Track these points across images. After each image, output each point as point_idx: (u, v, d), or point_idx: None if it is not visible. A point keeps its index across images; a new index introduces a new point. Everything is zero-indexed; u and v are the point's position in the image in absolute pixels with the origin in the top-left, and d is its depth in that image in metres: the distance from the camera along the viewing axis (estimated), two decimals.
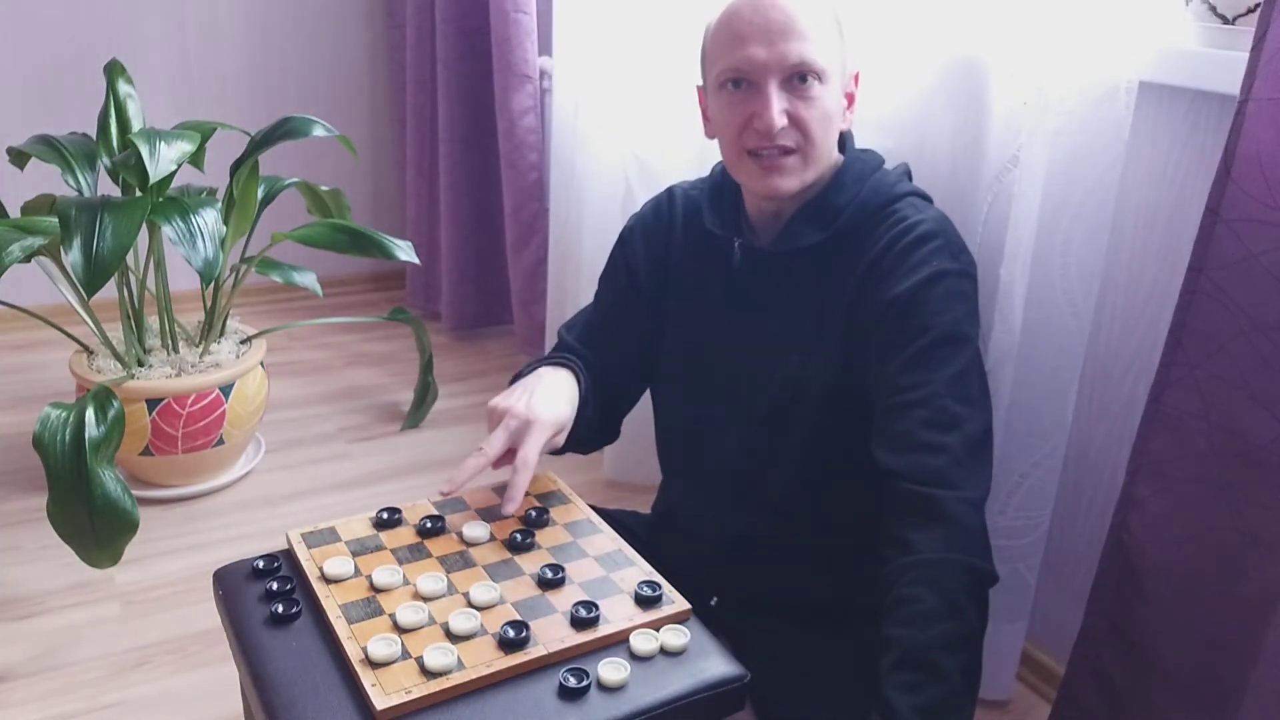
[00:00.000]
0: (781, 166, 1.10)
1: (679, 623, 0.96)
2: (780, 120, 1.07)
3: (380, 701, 0.84)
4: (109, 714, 1.42)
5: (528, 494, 1.14)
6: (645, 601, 0.97)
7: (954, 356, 1.05)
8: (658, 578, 1.01)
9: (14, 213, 1.93)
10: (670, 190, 1.30)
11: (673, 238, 1.27)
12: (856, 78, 1.16)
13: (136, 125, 1.92)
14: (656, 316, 1.28)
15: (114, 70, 1.93)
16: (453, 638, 0.91)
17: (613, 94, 1.86)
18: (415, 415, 2.28)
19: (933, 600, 0.95)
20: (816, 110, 1.08)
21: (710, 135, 1.18)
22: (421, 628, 0.92)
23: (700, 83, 1.18)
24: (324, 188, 2.18)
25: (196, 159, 1.93)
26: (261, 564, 1.03)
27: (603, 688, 0.88)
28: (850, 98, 1.15)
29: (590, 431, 1.25)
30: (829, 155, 1.13)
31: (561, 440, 1.15)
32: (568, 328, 1.33)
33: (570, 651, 0.91)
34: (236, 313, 2.67)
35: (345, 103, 2.98)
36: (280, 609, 0.95)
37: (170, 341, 1.97)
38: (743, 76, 1.08)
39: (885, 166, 1.18)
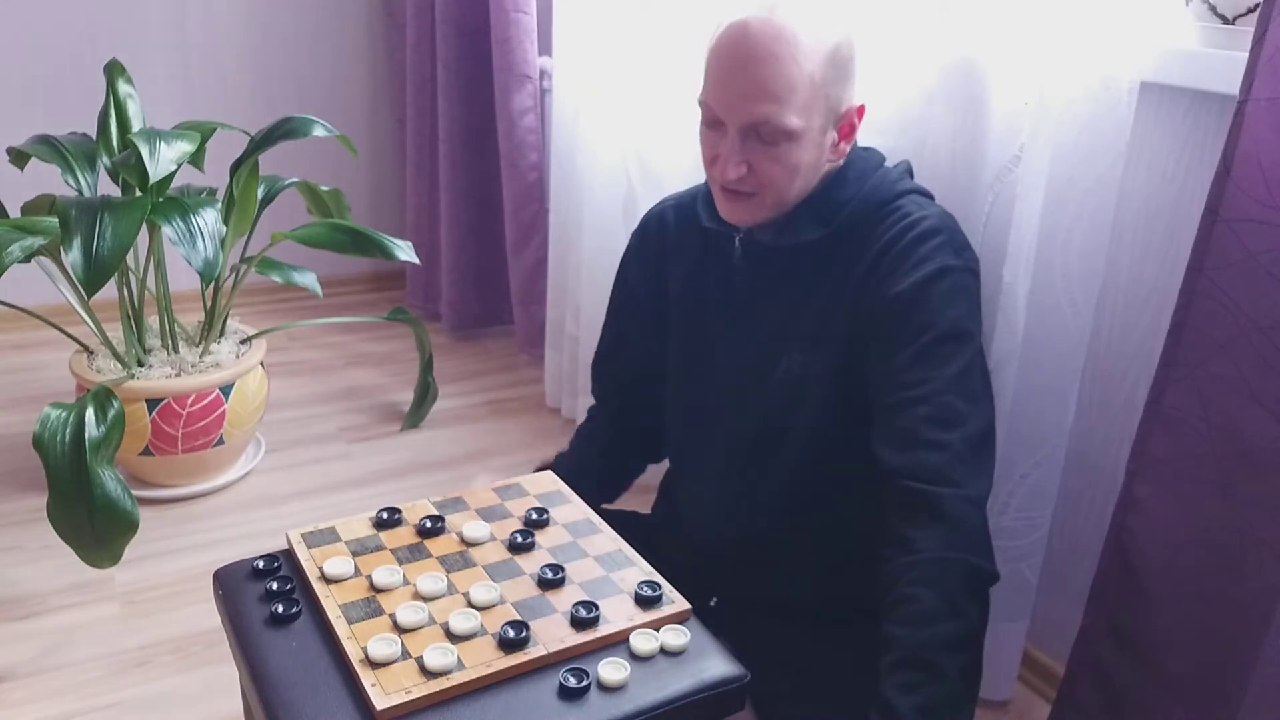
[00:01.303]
0: (743, 202, 1.11)
1: (679, 623, 0.96)
2: (737, 171, 1.08)
3: (380, 701, 0.84)
4: (109, 714, 1.42)
5: (527, 494, 1.15)
6: (645, 601, 0.97)
7: (957, 354, 1.05)
8: (658, 578, 1.01)
9: (14, 213, 1.93)
10: (659, 206, 1.33)
11: (667, 247, 1.28)
12: (861, 110, 1.13)
13: (136, 125, 1.92)
14: (660, 330, 1.30)
15: (114, 70, 1.93)
16: (453, 638, 0.91)
17: (613, 94, 1.86)
18: (415, 415, 2.28)
19: (933, 599, 0.95)
20: (779, 165, 1.08)
21: None
22: (421, 628, 0.92)
23: None
24: (324, 188, 2.18)
25: (196, 159, 1.93)
26: (261, 564, 1.03)
27: (603, 688, 0.88)
28: (849, 129, 1.13)
29: (612, 488, 1.38)
30: (799, 193, 1.12)
31: None
32: (595, 363, 1.41)
33: (570, 651, 0.91)
34: (236, 313, 2.67)
35: (345, 103, 2.98)
36: (280, 609, 0.95)
37: (170, 341, 1.97)
38: (713, 115, 1.09)
39: (886, 165, 1.19)
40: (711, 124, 1.10)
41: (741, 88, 1.05)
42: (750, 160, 1.07)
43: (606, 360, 1.40)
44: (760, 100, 1.04)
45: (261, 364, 2.02)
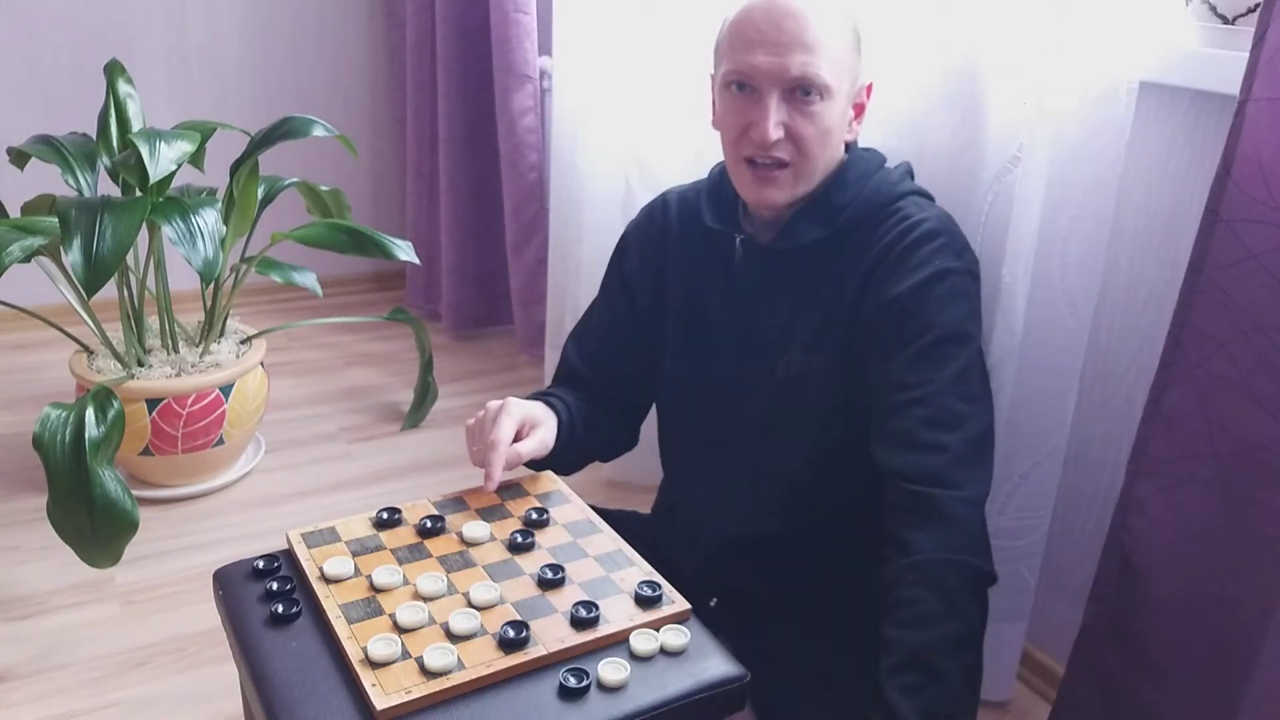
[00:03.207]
0: (774, 179, 1.11)
1: (679, 623, 0.96)
2: (776, 133, 1.07)
3: (380, 701, 0.84)
4: (109, 714, 1.42)
5: (527, 494, 1.14)
6: (645, 601, 0.97)
7: (956, 355, 1.06)
8: (658, 578, 1.01)
9: (14, 213, 1.93)
10: (664, 195, 1.31)
11: (668, 240, 1.27)
12: (869, 89, 1.16)
13: (136, 125, 1.92)
14: (655, 324, 1.29)
15: (114, 70, 1.93)
16: (453, 638, 0.91)
17: (613, 94, 1.86)
18: (415, 415, 2.28)
19: (933, 601, 0.95)
20: (814, 126, 1.08)
21: (716, 126, 1.18)
22: (421, 628, 0.92)
23: (712, 71, 1.18)
24: (324, 188, 2.18)
25: (196, 159, 1.93)
26: (261, 564, 1.03)
27: (603, 688, 0.88)
28: (860, 108, 1.15)
29: (581, 454, 1.26)
30: (825, 168, 1.13)
31: (549, 438, 1.16)
32: (574, 338, 1.35)
33: (570, 651, 0.91)
34: (236, 313, 2.67)
35: (345, 103, 2.98)
36: (280, 609, 0.95)
37: (170, 341, 1.97)
38: (746, 81, 1.09)
39: (887, 166, 1.19)
40: (742, 89, 1.10)
41: (777, 43, 1.06)
42: (786, 123, 1.08)
43: (594, 341, 1.32)
44: (798, 50, 1.06)
45: (261, 364, 2.02)
